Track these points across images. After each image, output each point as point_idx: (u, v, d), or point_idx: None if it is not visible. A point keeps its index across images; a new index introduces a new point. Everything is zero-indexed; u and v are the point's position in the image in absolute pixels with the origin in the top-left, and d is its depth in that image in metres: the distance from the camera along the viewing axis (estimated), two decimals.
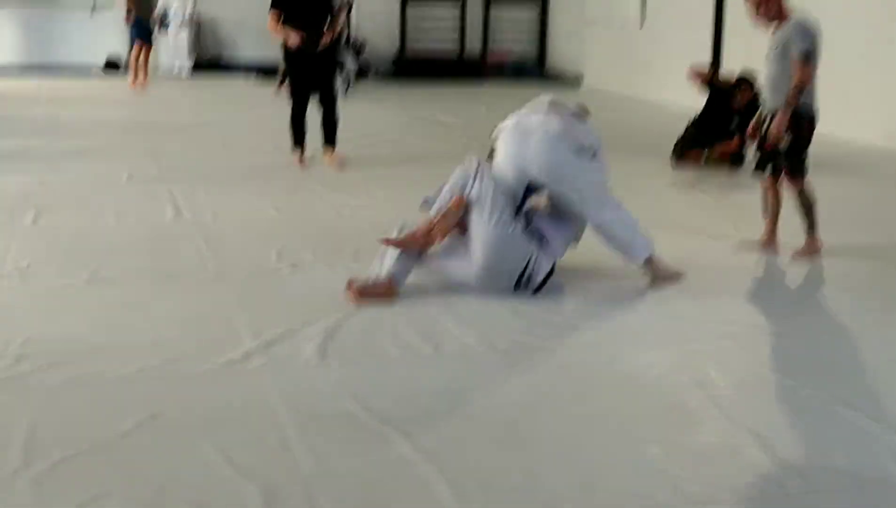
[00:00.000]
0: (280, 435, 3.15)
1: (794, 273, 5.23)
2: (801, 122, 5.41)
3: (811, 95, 5.43)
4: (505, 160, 4.78)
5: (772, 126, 5.43)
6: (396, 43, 16.89)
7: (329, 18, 7.73)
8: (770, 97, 5.57)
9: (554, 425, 3.35)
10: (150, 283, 4.79)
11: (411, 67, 16.22)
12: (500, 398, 3.54)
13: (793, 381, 3.71)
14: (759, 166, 5.74)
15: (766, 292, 4.91)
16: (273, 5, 7.67)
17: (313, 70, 7.69)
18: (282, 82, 12.97)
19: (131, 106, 12.07)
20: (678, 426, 3.32)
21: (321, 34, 7.64)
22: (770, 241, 5.65)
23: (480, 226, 4.56)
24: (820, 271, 5.28)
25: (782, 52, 5.39)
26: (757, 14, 5.45)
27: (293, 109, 7.84)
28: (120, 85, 14.22)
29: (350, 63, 13.97)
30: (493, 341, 4.06)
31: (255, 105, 11.44)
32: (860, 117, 9.87)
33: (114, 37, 15.94)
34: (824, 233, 5.60)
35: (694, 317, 4.40)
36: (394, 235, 4.74)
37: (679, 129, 8.78)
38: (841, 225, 6.22)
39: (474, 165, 4.69)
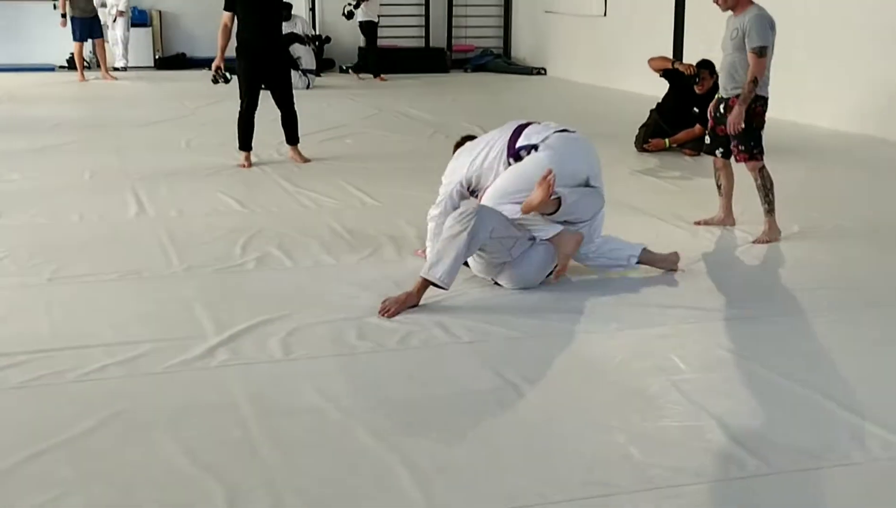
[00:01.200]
0: (244, 431, 3.15)
1: (757, 257, 5.27)
2: (754, 107, 5.57)
3: (765, 82, 5.57)
4: (562, 166, 4.58)
5: (730, 119, 5.58)
6: (361, 36, 16.83)
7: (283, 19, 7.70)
8: (725, 83, 5.71)
9: (517, 413, 3.37)
10: (113, 280, 4.75)
11: (376, 60, 16.16)
12: (464, 389, 3.55)
13: (754, 364, 3.75)
14: (711, 149, 5.93)
15: (728, 276, 4.95)
16: (226, 7, 7.51)
17: (266, 69, 7.55)
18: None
19: (94, 103, 11.97)
20: (641, 411, 3.35)
21: (276, 34, 7.54)
22: (726, 218, 5.91)
23: (505, 258, 4.54)
24: (782, 255, 5.33)
25: (740, 42, 5.51)
26: (721, 5, 5.60)
27: (243, 109, 7.65)
28: (83, 82, 14.08)
29: (307, 58, 13.88)
30: (458, 332, 4.06)
31: (218, 101, 11.37)
32: (814, 103, 9.99)
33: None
34: (790, 216, 5.65)
35: (656, 302, 4.43)
36: None
37: (642, 116, 8.84)
38: (800, 207, 6.29)
39: (472, 207, 4.51)
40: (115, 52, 15.38)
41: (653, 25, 12.63)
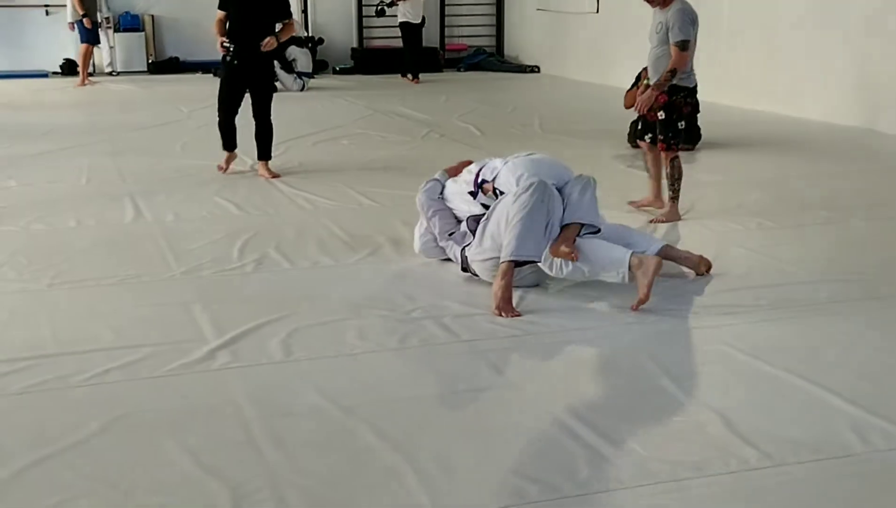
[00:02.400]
0: (247, 433, 3.16)
1: (754, 251, 5.29)
2: (676, 98, 5.88)
3: (689, 75, 5.90)
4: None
5: (639, 98, 5.97)
6: (354, 36, 16.85)
7: (277, 25, 7.31)
8: (652, 72, 6.00)
9: (518, 410, 3.38)
10: (112, 285, 4.76)
11: (370, 61, 16.18)
12: (465, 387, 3.57)
13: (753, 358, 3.76)
14: (640, 134, 6.26)
15: (726, 270, 4.95)
16: (220, 6, 7.29)
17: (250, 76, 7.30)
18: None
19: (88, 108, 11.96)
20: (641, 406, 3.36)
21: (234, 57, 7.20)
22: (656, 201, 6.15)
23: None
24: (780, 249, 5.34)
25: (664, 36, 5.83)
26: (650, 3, 5.93)
27: (221, 117, 7.40)
28: (81, 87, 14.07)
29: (304, 60, 13.89)
30: (457, 331, 4.08)
31: (213, 105, 11.38)
32: (805, 96, 10.03)
33: (69, 38, 15.77)
34: (788, 210, 5.66)
35: (655, 298, 4.43)
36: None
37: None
38: (798, 200, 6.31)
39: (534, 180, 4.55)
40: (104, 57, 15.41)
41: (645, 20, 12.63)
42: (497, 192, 4.72)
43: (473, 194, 4.85)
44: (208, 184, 7.12)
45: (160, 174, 7.49)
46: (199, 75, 14.94)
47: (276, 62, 13.28)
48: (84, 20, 14.14)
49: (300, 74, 13.67)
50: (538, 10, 15.89)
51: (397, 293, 4.57)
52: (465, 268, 4.75)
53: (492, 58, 16.97)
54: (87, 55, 14.35)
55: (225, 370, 3.69)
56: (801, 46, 10.26)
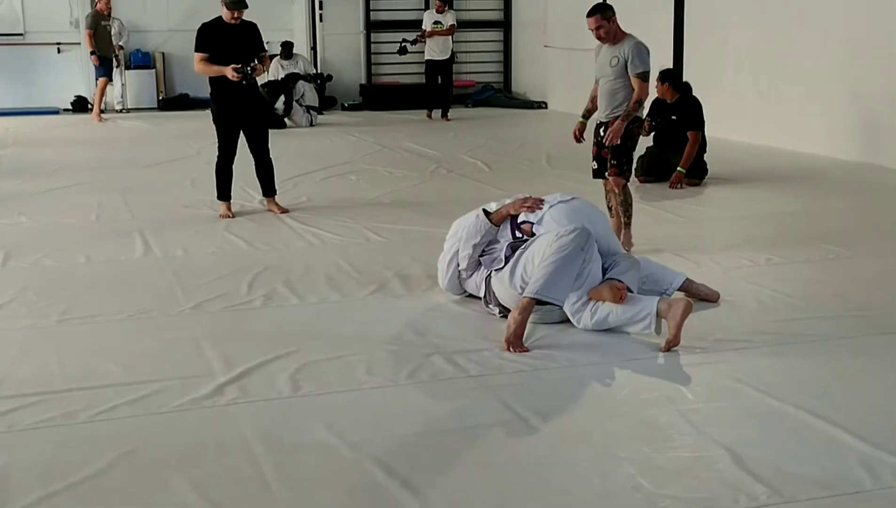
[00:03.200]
0: (255, 469, 3.16)
1: (763, 286, 5.28)
2: (631, 128, 6.12)
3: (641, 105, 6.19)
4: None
5: (610, 129, 6.11)
6: (363, 73, 16.96)
7: (258, 59, 7.17)
8: (605, 107, 6.23)
9: (527, 446, 3.38)
10: (122, 320, 4.78)
11: (378, 97, 16.27)
12: (474, 423, 3.56)
13: (762, 394, 3.75)
14: (600, 173, 6.40)
15: (733, 307, 4.95)
16: (197, 49, 7.13)
17: (242, 115, 7.22)
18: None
19: (99, 144, 12.03)
20: (650, 441, 3.35)
21: (251, 78, 7.10)
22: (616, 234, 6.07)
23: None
24: (787, 285, 5.34)
25: (622, 69, 6.09)
26: (603, 40, 6.17)
27: (220, 157, 7.32)
28: (87, 124, 14.18)
29: (311, 95, 13.96)
30: (465, 366, 4.08)
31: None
32: (810, 131, 10.07)
33: (80, 76, 15.91)
34: (795, 244, 5.65)
35: (663, 333, 4.43)
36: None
37: (641, 148, 8.90)
38: (806, 235, 6.31)
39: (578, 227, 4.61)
40: (115, 95, 15.53)
41: (651, 54, 12.71)
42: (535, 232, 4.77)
43: (513, 235, 4.87)
44: (217, 220, 7.16)
45: (170, 210, 7.53)
46: (209, 112, 15.04)
47: (282, 97, 13.48)
48: (92, 57, 14.31)
49: (308, 109, 13.75)
50: (546, 46, 15.98)
51: (405, 329, 4.57)
52: (486, 297, 4.75)
53: (499, 94, 17.04)
54: (102, 90, 14.51)
55: (233, 405, 3.70)
56: (806, 82, 10.30)
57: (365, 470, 3.13)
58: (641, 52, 6.12)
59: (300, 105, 13.72)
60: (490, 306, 4.76)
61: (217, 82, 7.16)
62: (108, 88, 15.36)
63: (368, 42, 16.81)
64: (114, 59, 14.78)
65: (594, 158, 6.46)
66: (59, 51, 16.01)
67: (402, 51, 14.79)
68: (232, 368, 4.04)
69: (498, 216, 4.92)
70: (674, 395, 3.75)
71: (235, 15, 7.07)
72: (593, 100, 6.42)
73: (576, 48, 15.03)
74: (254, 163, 7.44)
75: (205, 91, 7.34)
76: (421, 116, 14.66)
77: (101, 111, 14.70)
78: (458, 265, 4.94)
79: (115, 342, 4.46)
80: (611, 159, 6.19)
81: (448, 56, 14.31)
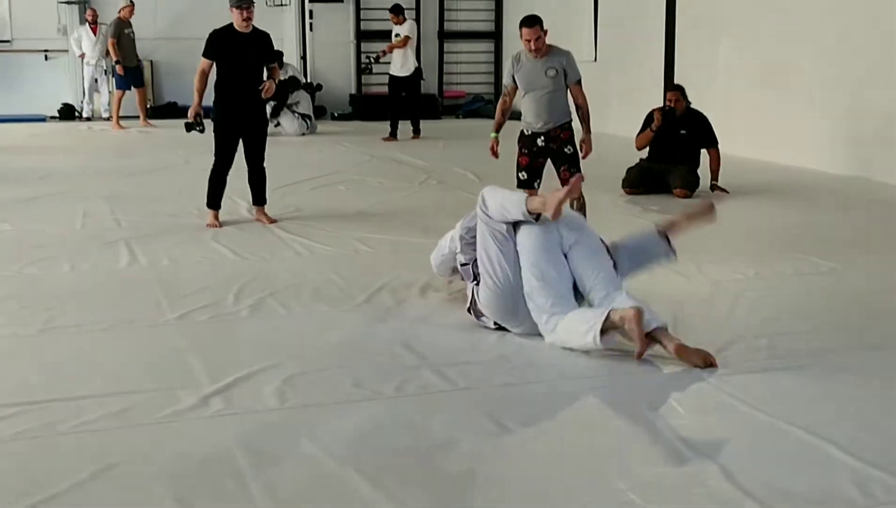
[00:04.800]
0: (239, 482, 3.10)
1: (752, 302, 5.26)
2: (572, 135, 6.63)
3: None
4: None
5: (586, 147, 6.64)
6: (352, 83, 16.93)
7: (268, 70, 7.22)
8: (547, 115, 6.58)
9: (516, 463, 3.33)
10: (106, 330, 4.72)
11: (368, 107, 16.25)
12: (462, 438, 3.51)
13: (754, 409, 3.71)
14: (529, 183, 6.73)
15: (723, 321, 4.93)
16: (205, 54, 7.07)
17: (244, 125, 7.18)
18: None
19: (85, 153, 11.96)
20: (640, 457, 3.31)
21: (257, 88, 7.10)
22: None
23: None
24: (777, 300, 5.32)
25: (561, 80, 6.48)
26: (537, 51, 6.49)
27: (216, 165, 7.25)
28: (74, 131, 14.12)
29: (305, 103, 13.95)
30: (454, 379, 4.03)
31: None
32: (801, 145, 10.08)
33: (67, 83, 15.85)
34: (783, 258, 5.64)
35: (652, 349, 4.39)
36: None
37: (630, 159, 8.93)
38: (793, 249, 6.30)
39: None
40: (102, 103, 15.46)
41: (643, 67, 12.74)
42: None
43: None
44: (204, 229, 7.10)
45: (156, 219, 7.47)
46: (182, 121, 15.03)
47: (271, 104, 13.43)
48: (117, 67, 14.27)
49: (304, 117, 13.66)
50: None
51: (394, 341, 4.53)
52: (471, 311, 4.72)
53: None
54: (119, 101, 14.53)
55: (218, 417, 3.64)
56: (798, 96, 10.32)
57: (350, 484, 3.09)
58: (573, 61, 6.54)
59: (293, 112, 13.67)
60: (482, 317, 4.71)
61: (221, 90, 7.11)
62: (96, 96, 15.31)
63: (359, 52, 16.80)
64: (141, 70, 14.79)
65: (523, 169, 6.76)
66: (46, 58, 15.97)
67: (366, 69, 14.13)
68: (217, 379, 3.98)
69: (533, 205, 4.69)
70: (664, 410, 3.71)
71: (245, 16, 6.97)
72: (504, 113, 6.77)
73: None
74: (247, 171, 7.38)
75: (192, 100, 7.25)
76: (410, 127, 14.62)
77: (88, 119, 14.65)
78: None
79: (98, 353, 4.40)
80: (569, 168, 6.55)
81: (410, 72, 13.34)
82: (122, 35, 14.40)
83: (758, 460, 3.29)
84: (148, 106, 15.88)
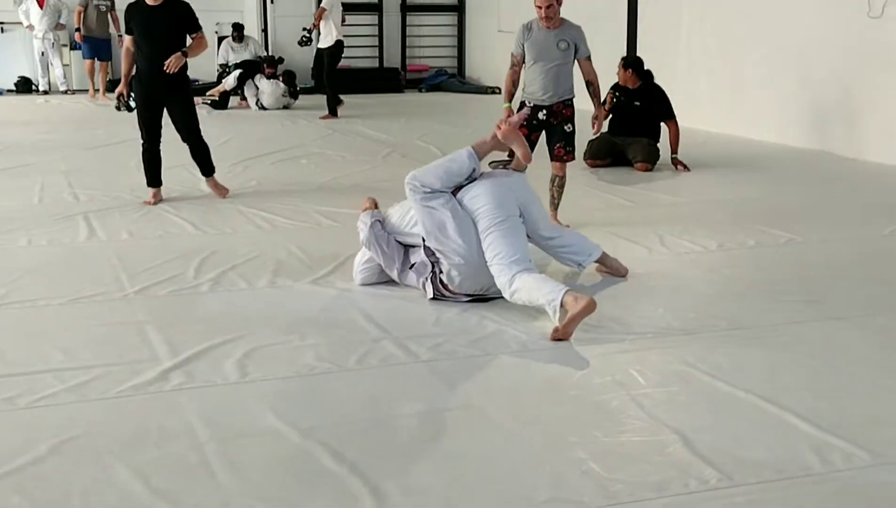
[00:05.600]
0: (200, 455, 3.09)
1: (715, 273, 5.30)
2: (573, 113, 6.33)
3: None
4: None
5: (597, 126, 6.47)
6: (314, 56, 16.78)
7: (192, 39, 6.98)
8: (554, 89, 6.24)
9: (478, 432, 3.34)
10: (64, 305, 4.66)
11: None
12: (424, 408, 3.52)
13: (713, 379, 3.75)
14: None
15: (685, 292, 4.96)
16: (127, 30, 6.92)
17: (164, 99, 6.92)
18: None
19: (43, 126, 11.77)
20: (602, 426, 3.33)
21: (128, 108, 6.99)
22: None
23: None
24: (740, 271, 5.36)
25: (570, 53, 6.21)
26: (549, 21, 6.14)
27: (145, 144, 7.02)
28: (31, 105, 13.91)
29: (270, 100, 13.62)
30: (416, 351, 4.03)
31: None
32: (761, 119, 10.14)
33: (24, 56, 15.58)
34: (745, 230, 5.67)
35: (614, 319, 4.42)
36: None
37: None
38: (756, 221, 6.34)
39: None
40: (57, 77, 15.24)
41: (605, 39, 12.74)
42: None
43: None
44: (164, 202, 7.03)
45: (115, 193, 7.38)
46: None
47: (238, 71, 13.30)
48: (76, 34, 14.35)
49: (261, 106, 13.47)
50: (500, 31, 15.94)
51: (356, 314, 4.52)
52: (440, 295, 4.70)
53: (453, 79, 17.00)
54: (90, 71, 14.60)
55: (178, 391, 3.62)
56: (758, 70, 10.37)
57: (313, 456, 3.08)
58: (583, 35, 6.26)
59: (255, 90, 13.52)
60: (452, 297, 4.70)
61: (136, 66, 6.92)
62: (50, 68, 15.09)
63: None
64: (108, 42, 14.73)
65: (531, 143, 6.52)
66: (2, 30, 15.68)
67: (303, 42, 13.64)
68: (177, 353, 3.95)
69: (484, 150, 4.94)
70: (625, 380, 3.73)
71: None
72: (514, 84, 6.39)
73: None
74: (188, 148, 7.20)
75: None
76: (374, 100, 14.55)
77: (46, 92, 14.46)
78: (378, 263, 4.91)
79: (57, 327, 4.34)
80: (565, 146, 6.30)
81: (328, 43, 12.66)
82: (89, 5, 14.33)
83: (717, 428, 3.32)
84: (108, 78, 15.68)
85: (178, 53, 6.79)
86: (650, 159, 8.53)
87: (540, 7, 6.09)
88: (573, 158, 6.39)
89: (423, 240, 4.69)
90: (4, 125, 11.73)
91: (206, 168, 7.28)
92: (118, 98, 7.24)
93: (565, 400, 3.60)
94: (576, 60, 6.28)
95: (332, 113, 12.55)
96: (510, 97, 6.35)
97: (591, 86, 6.36)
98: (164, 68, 6.74)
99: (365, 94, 15.42)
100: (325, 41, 12.69)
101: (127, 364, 3.83)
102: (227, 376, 3.75)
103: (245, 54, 14.37)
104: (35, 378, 3.68)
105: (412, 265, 4.80)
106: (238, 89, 13.58)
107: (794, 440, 3.21)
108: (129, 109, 7.17)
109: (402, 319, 4.44)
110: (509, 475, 2.98)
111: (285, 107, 13.54)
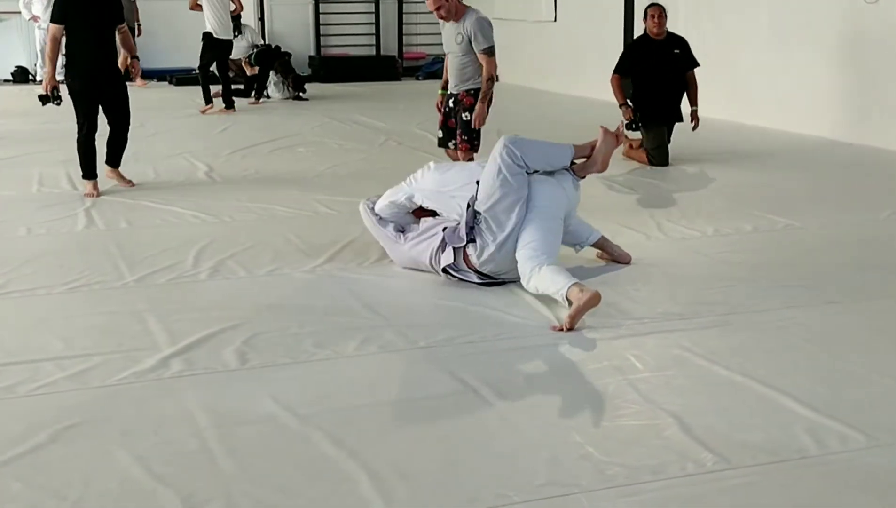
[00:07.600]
0: (200, 442, 3.11)
1: (711, 260, 5.31)
2: (476, 103, 6.52)
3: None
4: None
5: (476, 115, 6.51)
6: (311, 44, 16.78)
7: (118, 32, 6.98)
8: (456, 79, 6.57)
9: (476, 416, 3.36)
10: (63, 293, 4.68)
11: (327, 69, 16.11)
12: (422, 394, 3.54)
13: (710, 363, 3.77)
14: (444, 142, 6.82)
15: (682, 278, 4.97)
16: (54, 18, 6.79)
17: (101, 88, 6.92)
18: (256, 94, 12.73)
19: (39, 116, 11.71)
20: (599, 410, 3.36)
21: (111, 50, 6.94)
22: None
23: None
24: (736, 257, 5.37)
25: (467, 46, 6.37)
26: (442, 17, 6.41)
27: (82, 134, 6.94)
28: (29, 94, 13.87)
29: (275, 93, 13.55)
30: (415, 338, 4.05)
31: (169, 112, 11.24)
32: (761, 106, 10.13)
33: (21, 45, 15.56)
34: (744, 216, 5.69)
35: (612, 304, 4.44)
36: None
37: (590, 121, 8.87)
38: (754, 207, 6.36)
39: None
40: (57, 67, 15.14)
41: (603, 28, 12.73)
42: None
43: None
44: (162, 191, 7.04)
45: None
46: (154, 83, 14.84)
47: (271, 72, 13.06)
48: None
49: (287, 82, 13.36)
50: (495, 18, 15.92)
51: (354, 301, 4.53)
52: (454, 268, 4.72)
53: None
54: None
55: (178, 378, 3.63)
56: (755, 56, 10.37)
57: (312, 443, 3.10)
58: (484, 27, 6.32)
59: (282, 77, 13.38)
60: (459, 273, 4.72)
61: (71, 55, 6.92)
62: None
63: (317, 13, 16.63)
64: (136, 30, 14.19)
65: (440, 127, 6.83)
66: None
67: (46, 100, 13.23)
68: (177, 341, 3.97)
69: (582, 153, 4.91)
70: (622, 364, 3.75)
71: None
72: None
73: (525, 20, 15.01)
74: (108, 133, 7.12)
75: (147, 62, 7.19)
76: (371, 88, 14.51)
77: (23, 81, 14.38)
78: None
79: (57, 316, 4.36)
80: (462, 135, 6.58)
81: (229, 35, 12.02)
82: None
83: (714, 411, 3.34)
84: None
85: (135, 61, 7.29)
86: (677, 120, 8.34)
87: (432, 10, 6.39)
88: (471, 148, 6.58)
89: (469, 205, 4.65)
90: (2, 115, 11.72)
91: (116, 158, 7.21)
92: (48, 91, 7.01)
93: (563, 385, 3.62)
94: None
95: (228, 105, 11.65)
96: (444, 85, 6.82)
97: (490, 81, 6.44)
98: (132, 76, 7.24)
99: (362, 81, 15.41)
100: (222, 32, 11.87)
101: (127, 352, 3.85)
102: (227, 363, 3.77)
103: (242, 44, 14.32)
104: (35, 367, 3.70)
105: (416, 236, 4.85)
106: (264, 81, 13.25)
107: (791, 423, 3.23)
108: (59, 102, 7.08)
109: (401, 306, 4.45)
110: (506, 458, 3.00)
111: (296, 98, 13.39)
